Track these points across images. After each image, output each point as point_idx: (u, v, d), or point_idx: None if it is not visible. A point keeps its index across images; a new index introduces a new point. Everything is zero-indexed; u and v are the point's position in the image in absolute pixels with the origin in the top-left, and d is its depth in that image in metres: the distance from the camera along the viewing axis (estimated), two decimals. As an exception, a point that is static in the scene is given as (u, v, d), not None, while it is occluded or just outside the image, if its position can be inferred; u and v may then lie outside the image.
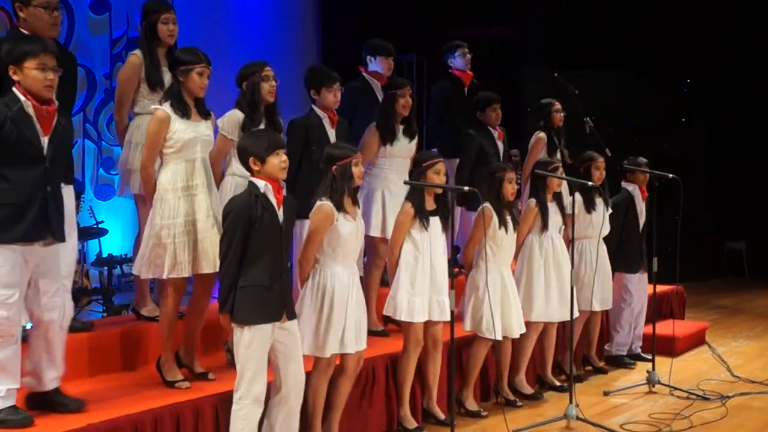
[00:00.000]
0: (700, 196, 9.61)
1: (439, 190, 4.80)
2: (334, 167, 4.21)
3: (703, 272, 10.66)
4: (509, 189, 5.20)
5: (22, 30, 4.15)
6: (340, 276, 4.21)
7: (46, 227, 3.68)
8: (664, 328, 6.64)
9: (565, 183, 5.83)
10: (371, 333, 4.93)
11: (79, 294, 5.48)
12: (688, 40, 10.17)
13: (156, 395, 4.15)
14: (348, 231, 4.21)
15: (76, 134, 7.17)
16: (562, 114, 6.58)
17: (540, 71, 9.19)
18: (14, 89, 3.63)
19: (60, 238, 3.78)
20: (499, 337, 5.14)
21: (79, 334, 4.47)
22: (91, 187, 7.85)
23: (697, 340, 7.27)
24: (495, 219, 5.11)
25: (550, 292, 5.52)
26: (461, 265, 5.55)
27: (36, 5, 4.12)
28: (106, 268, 6.42)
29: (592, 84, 9.00)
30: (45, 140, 3.66)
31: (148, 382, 4.38)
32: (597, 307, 6.05)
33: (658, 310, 7.29)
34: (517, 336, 5.30)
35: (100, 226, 7.04)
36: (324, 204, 4.17)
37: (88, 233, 6.58)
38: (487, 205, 5.13)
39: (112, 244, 7.51)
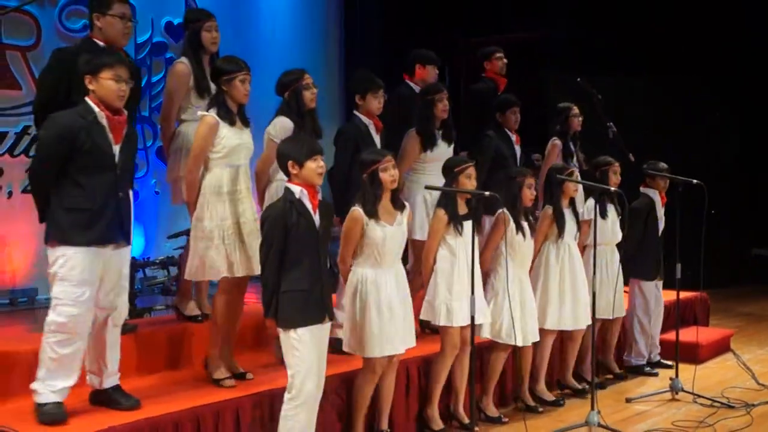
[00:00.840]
0: (725, 201, 9.51)
1: (469, 195, 4.81)
2: (365, 174, 4.27)
3: (727, 279, 10.52)
4: (528, 194, 5.18)
5: (95, 40, 4.37)
6: (372, 279, 4.29)
7: (119, 231, 3.89)
8: (688, 335, 6.57)
9: (580, 189, 5.81)
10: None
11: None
12: (713, 40, 10.06)
13: (198, 394, 4.25)
14: (380, 236, 4.27)
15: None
16: (580, 118, 6.54)
17: (564, 75, 9.14)
18: (87, 99, 3.82)
19: (128, 241, 3.99)
20: (521, 343, 5.12)
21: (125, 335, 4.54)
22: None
23: (721, 348, 7.18)
24: (512, 224, 5.09)
25: (564, 300, 5.49)
26: None
27: (113, 15, 4.34)
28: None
29: (616, 87, 8.94)
30: (116, 148, 3.85)
31: (190, 380, 4.50)
32: (611, 315, 5.99)
33: (681, 316, 7.25)
34: (530, 344, 5.28)
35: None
36: (354, 210, 4.30)
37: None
38: (504, 210, 5.12)
39: (135, 246, 7.54)
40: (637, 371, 6.43)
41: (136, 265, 6.50)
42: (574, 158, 6.55)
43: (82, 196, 3.75)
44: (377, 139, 5.17)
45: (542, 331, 5.48)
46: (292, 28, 9.55)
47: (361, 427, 4.49)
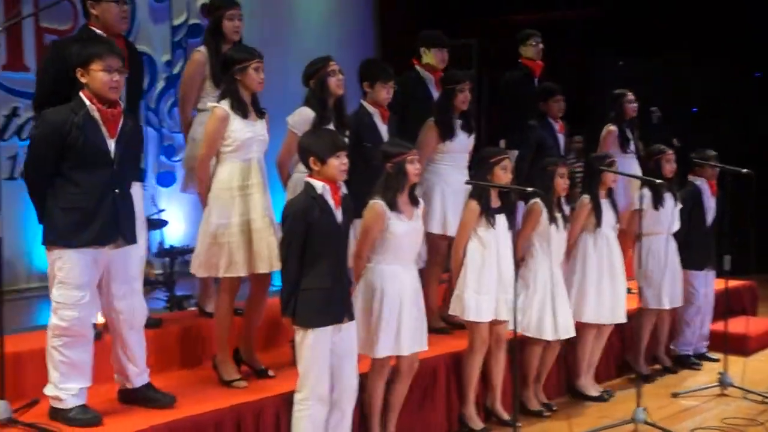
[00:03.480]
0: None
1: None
2: (389, 164, 4.12)
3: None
4: (561, 184, 5.03)
5: (93, 28, 4.21)
6: (391, 276, 4.13)
7: (116, 230, 3.71)
8: (737, 325, 6.38)
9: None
10: (432, 330, 4.83)
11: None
12: (763, 21, 9.73)
13: (217, 395, 4.15)
14: (401, 231, 4.11)
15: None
16: (635, 105, 6.37)
17: (610, 57, 8.93)
18: (81, 94, 3.66)
19: (131, 239, 3.80)
20: (551, 338, 5.00)
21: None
22: (153, 174, 7.90)
23: (772, 339, 6.99)
24: (545, 215, 4.95)
25: (602, 293, 5.33)
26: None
27: (107, 0, 4.16)
28: (167, 258, 6.44)
29: (662, 70, 8.70)
30: (112, 143, 3.68)
31: (209, 380, 4.38)
32: (667, 305, 5.85)
33: (729, 306, 7.05)
34: (563, 338, 5.12)
35: (161, 215, 7.06)
36: (376, 203, 4.10)
37: (149, 224, 6.63)
38: (537, 200, 4.98)
39: (175, 232, 7.55)
40: (682, 362, 6.28)
41: (175, 253, 6.51)
42: (631, 145, 6.38)
43: (77, 194, 3.60)
44: (383, 128, 4.99)
45: (581, 325, 5.34)
46: (321, 8, 9.47)
47: (378, 429, 4.33)
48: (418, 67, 5.79)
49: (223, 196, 4.20)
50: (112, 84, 3.62)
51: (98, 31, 4.18)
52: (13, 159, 6.89)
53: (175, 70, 8.01)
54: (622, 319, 5.43)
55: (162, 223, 6.89)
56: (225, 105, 4.20)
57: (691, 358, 6.31)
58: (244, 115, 4.22)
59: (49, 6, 6.06)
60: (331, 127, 4.51)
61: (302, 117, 4.52)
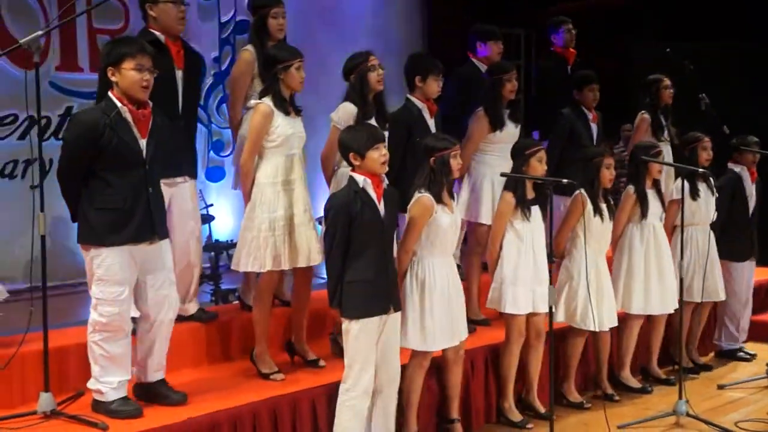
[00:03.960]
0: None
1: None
2: (432, 159, 4.17)
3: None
4: (607, 175, 4.98)
5: (152, 30, 4.34)
6: (439, 268, 4.19)
7: (151, 227, 3.80)
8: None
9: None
10: (472, 322, 4.88)
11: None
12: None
13: (254, 387, 4.25)
14: (447, 223, 4.18)
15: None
16: (671, 91, 6.25)
17: (652, 44, 8.73)
18: (110, 94, 3.72)
19: (164, 235, 3.90)
20: (596, 328, 4.97)
21: (185, 323, 4.58)
22: (202, 169, 8.05)
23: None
24: (589, 206, 4.93)
25: (650, 284, 5.29)
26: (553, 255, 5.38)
27: (164, 1, 4.29)
28: (213, 252, 6.58)
29: (709, 56, 8.46)
30: (143, 143, 3.76)
31: (248, 373, 4.47)
32: (705, 298, 5.73)
33: (762, 298, 6.87)
34: (607, 329, 5.10)
35: (209, 211, 7.21)
36: (423, 196, 4.15)
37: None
38: (581, 191, 4.95)
39: (223, 226, 7.70)
40: (730, 356, 6.16)
41: (220, 248, 6.65)
42: (665, 132, 6.27)
43: (111, 194, 3.68)
44: (431, 122, 5.01)
45: (628, 316, 5.31)
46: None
47: (414, 421, 4.37)
48: (474, 60, 5.82)
49: (267, 191, 4.31)
50: (143, 83, 3.69)
51: (158, 33, 4.33)
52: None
53: (223, 66, 8.15)
54: (671, 309, 5.36)
55: (209, 218, 7.04)
56: (268, 101, 4.31)
57: (738, 352, 6.17)
58: (286, 112, 4.34)
59: (98, 5, 6.20)
60: (373, 121, 4.58)
61: (345, 112, 4.59)
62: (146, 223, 3.77)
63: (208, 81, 8.15)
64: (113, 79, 3.70)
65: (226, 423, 3.84)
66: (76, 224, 3.83)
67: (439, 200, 4.16)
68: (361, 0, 9.48)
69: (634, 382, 5.47)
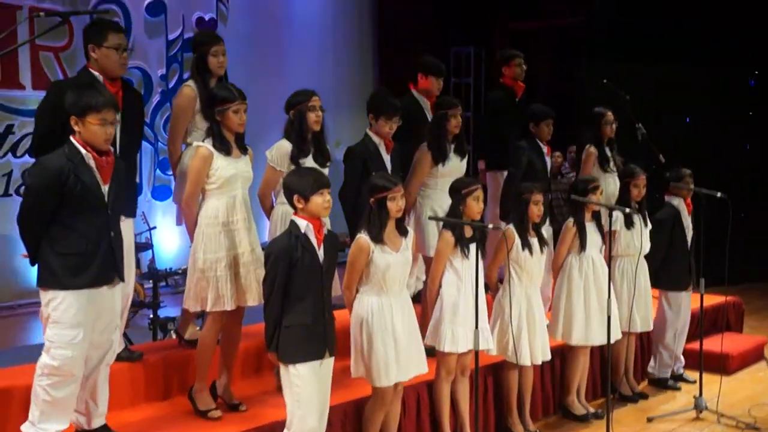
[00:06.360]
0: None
1: (477, 217, 4.76)
2: (372, 199, 4.23)
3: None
4: (534, 211, 5.09)
5: (91, 70, 4.32)
6: (377, 307, 4.25)
7: (113, 270, 3.81)
8: (715, 343, 6.35)
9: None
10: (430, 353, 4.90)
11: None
12: (757, 30, 9.68)
13: (192, 427, 4.25)
14: (385, 263, 4.23)
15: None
16: (614, 125, 6.38)
17: (599, 64, 8.91)
18: (73, 140, 3.71)
19: (122, 278, 3.91)
20: (527, 363, 5.09)
21: (121, 363, 4.56)
22: (148, 188, 8.02)
23: (754, 356, 6.95)
24: (518, 241, 5.04)
25: (590, 315, 5.42)
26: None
27: (108, 47, 4.27)
28: (151, 280, 6.53)
29: (654, 78, 8.68)
30: (105, 188, 3.76)
31: (186, 411, 4.47)
32: (639, 328, 5.89)
33: (713, 322, 7.07)
34: (539, 363, 5.22)
35: (152, 234, 7.16)
36: (360, 237, 4.23)
37: (136, 248, 6.74)
38: (510, 226, 5.07)
39: (170, 245, 7.67)
40: (661, 385, 6.29)
41: (159, 276, 6.58)
42: (611, 163, 6.42)
43: (74, 239, 3.67)
44: (387, 158, 5.10)
45: (570, 347, 5.42)
46: (322, 13, 9.48)
47: None
48: (414, 92, 5.91)
49: (210, 231, 4.33)
50: (106, 137, 3.70)
51: (96, 73, 4.29)
52: (8, 176, 7.02)
53: (171, 84, 8.12)
54: (612, 339, 5.39)
55: (148, 246, 6.98)
56: (208, 143, 4.34)
57: (669, 381, 6.31)
58: (227, 153, 4.35)
59: (47, 31, 6.11)
60: (310, 159, 4.62)
61: (280, 151, 4.63)
62: (108, 266, 3.78)
63: (155, 99, 8.13)
64: (76, 128, 3.70)
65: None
66: (22, 247, 3.79)
67: (379, 240, 4.21)
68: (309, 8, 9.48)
69: (580, 409, 5.59)
